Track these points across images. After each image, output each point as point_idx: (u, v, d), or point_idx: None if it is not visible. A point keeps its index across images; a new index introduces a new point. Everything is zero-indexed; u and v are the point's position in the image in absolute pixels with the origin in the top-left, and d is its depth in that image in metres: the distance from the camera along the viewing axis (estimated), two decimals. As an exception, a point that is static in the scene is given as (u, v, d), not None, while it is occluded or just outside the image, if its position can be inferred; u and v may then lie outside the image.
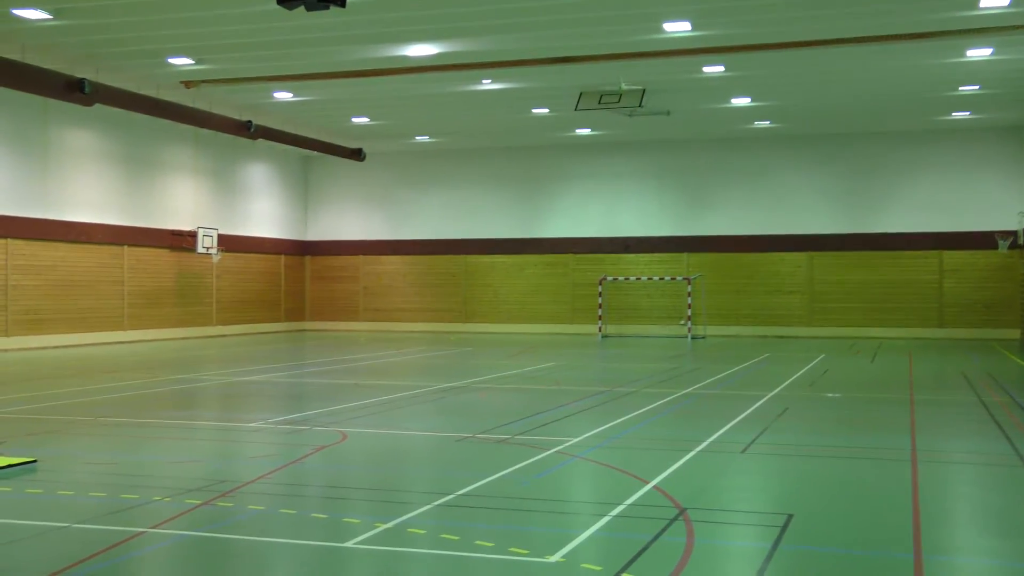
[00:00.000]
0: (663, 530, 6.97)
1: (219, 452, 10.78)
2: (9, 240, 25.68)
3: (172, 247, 31.34)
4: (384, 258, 37.66)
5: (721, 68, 23.45)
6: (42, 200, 26.78)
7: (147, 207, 30.55)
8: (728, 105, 28.15)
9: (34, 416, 13.01)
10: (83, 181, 28.20)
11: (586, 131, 32.60)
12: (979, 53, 21.90)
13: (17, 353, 24.73)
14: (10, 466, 9.11)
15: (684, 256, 34.60)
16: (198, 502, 7.84)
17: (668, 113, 28.44)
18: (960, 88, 25.71)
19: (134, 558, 6.46)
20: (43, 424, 12.26)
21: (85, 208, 28.17)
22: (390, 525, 7.08)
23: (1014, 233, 30.71)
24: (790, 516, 7.44)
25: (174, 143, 31.66)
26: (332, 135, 33.47)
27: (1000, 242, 31.08)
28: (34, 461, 9.38)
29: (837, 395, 15.67)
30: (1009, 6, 18.13)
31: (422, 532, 6.92)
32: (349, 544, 6.62)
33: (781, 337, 32.69)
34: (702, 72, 23.85)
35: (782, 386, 16.78)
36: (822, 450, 10.55)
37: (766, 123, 31.16)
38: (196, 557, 6.51)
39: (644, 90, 25.22)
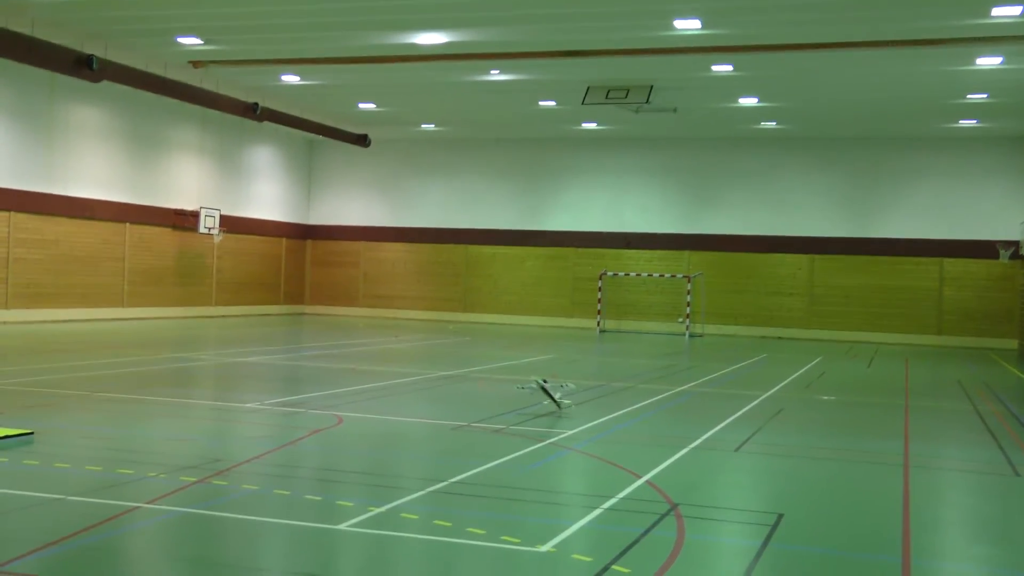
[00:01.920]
0: (654, 524, 7.01)
1: (215, 431, 10.82)
2: (12, 213, 25.70)
3: (174, 226, 31.36)
4: (386, 245, 37.67)
5: (730, 67, 23.44)
6: (47, 175, 26.80)
7: (151, 185, 30.56)
8: (735, 105, 28.15)
9: (32, 389, 13.05)
10: (88, 157, 28.22)
11: (592, 125, 32.60)
12: (989, 61, 21.90)
13: (17, 326, 24.78)
14: (7, 437, 9.15)
15: (685, 254, 34.63)
16: (193, 479, 7.89)
17: (675, 110, 28.44)
18: (968, 96, 25.70)
19: (128, 532, 6.51)
20: (41, 397, 12.30)
21: (89, 184, 28.19)
22: (383, 509, 7.12)
23: (1015, 243, 30.72)
24: (780, 515, 7.48)
25: (180, 123, 31.66)
26: (338, 120, 33.47)
27: (1001, 252, 31.10)
28: (31, 433, 9.42)
29: (832, 398, 15.71)
30: (1021, 15, 18.12)
31: (415, 517, 6.96)
32: (341, 527, 6.66)
33: (779, 338, 32.73)
34: (710, 71, 23.84)
35: (778, 387, 16.83)
36: (815, 452, 10.60)
37: (772, 124, 31.16)
38: (189, 533, 6.55)
39: (652, 86, 25.23)
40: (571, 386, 13.06)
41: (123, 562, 5.98)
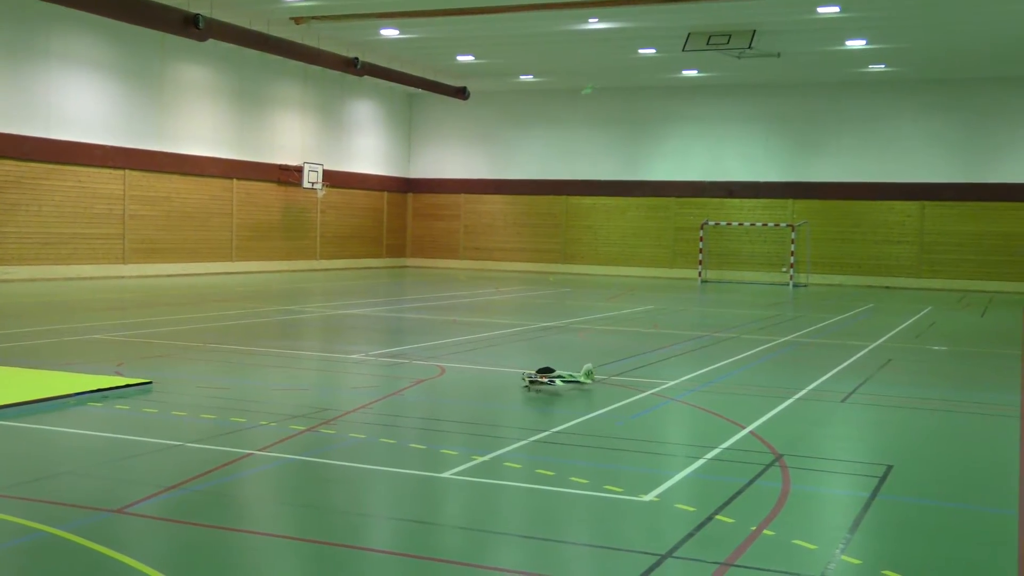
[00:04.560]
0: (759, 475, 6.95)
1: (322, 381, 11.09)
2: (127, 171, 26.57)
3: (279, 181, 32.01)
4: (486, 197, 37.80)
5: (836, 9, 22.67)
6: (158, 133, 27.59)
7: (256, 142, 31.21)
8: (842, 47, 27.26)
9: (149, 340, 13.56)
10: (196, 115, 28.93)
11: (693, 72, 31.98)
12: (1116, -6, 20.74)
13: (134, 280, 25.73)
14: (128, 386, 9.55)
15: (789, 202, 33.89)
16: (302, 428, 8.12)
17: (778, 55, 27.69)
18: (1093, 32, 24.41)
19: (243, 477, 6.74)
20: (157, 348, 12.77)
21: (197, 142, 28.93)
22: (486, 458, 7.21)
23: None
24: (890, 467, 7.34)
25: (283, 79, 32.16)
26: (437, 73, 33.55)
27: None
28: (150, 382, 9.81)
29: (944, 348, 15.27)
30: None
31: (518, 466, 7.04)
32: (446, 475, 6.78)
33: (887, 288, 31.89)
34: (816, 13, 23.10)
35: (886, 337, 16.42)
36: (926, 403, 10.34)
37: (881, 67, 30.10)
38: (300, 480, 6.76)
39: (754, 31, 24.60)
40: (584, 371, 10.48)
41: (238, 506, 6.21)
